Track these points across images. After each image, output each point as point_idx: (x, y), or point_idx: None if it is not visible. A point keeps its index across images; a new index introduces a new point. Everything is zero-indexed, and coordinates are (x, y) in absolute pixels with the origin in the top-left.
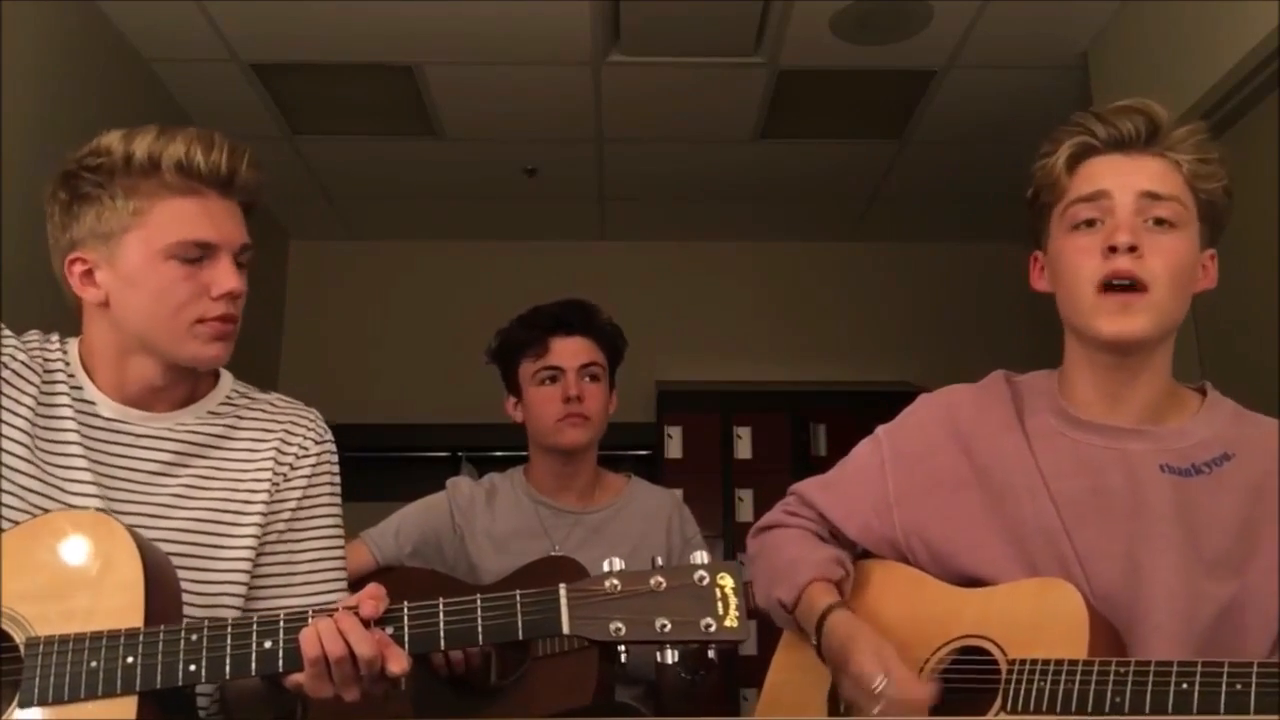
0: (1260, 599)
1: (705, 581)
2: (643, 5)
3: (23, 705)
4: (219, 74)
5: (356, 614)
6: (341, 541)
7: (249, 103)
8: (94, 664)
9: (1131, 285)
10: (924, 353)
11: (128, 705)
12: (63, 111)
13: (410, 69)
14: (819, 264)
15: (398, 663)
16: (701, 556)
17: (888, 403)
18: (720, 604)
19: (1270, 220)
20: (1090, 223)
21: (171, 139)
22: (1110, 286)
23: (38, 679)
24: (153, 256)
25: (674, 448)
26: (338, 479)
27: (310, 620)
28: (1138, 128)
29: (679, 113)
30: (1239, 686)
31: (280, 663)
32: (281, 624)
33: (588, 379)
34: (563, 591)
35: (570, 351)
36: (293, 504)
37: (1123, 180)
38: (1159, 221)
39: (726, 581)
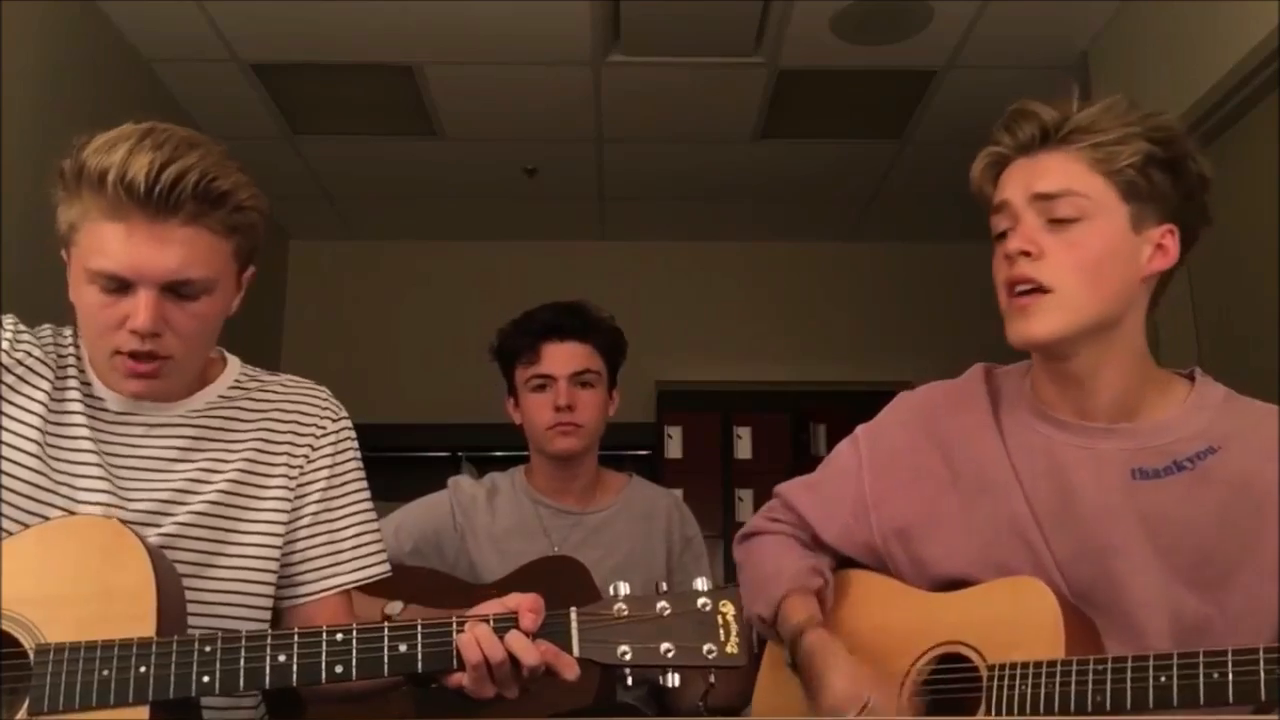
0: (1246, 623)
1: (708, 608)
2: (643, 5)
3: (32, 711)
4: (219, 74)
5: (515, 625)
6: (375, 516)
7: (249, 103)
8: (106, 672)
9: (1034, 289)
10: (924, 353)
11: (140, 714)
12: (63, 111)
13: (410, 69)
14: (819, 264)
15: (570, 670)
16: (703, 583)
17: (887, 403)
18: (722, 630)
19: (1270, 220)
20: (1003, 234)
21: (105, 152)
22: (1015, 292)
23: (48, 685)
24: (80, 277)
25: (674, 448)
26: (359, 454)
27: (465, 627)
28: (1031, 132)
29: (679, 113)
30: (1215, 675)
31: (295, 677)
32: (296, 640)
33: (580, 386)
34: (573, 615)
35: (562, 358)
36: (321, 485)
37: (1017, 185)
38: (1059, 220)
39: (728, 609)
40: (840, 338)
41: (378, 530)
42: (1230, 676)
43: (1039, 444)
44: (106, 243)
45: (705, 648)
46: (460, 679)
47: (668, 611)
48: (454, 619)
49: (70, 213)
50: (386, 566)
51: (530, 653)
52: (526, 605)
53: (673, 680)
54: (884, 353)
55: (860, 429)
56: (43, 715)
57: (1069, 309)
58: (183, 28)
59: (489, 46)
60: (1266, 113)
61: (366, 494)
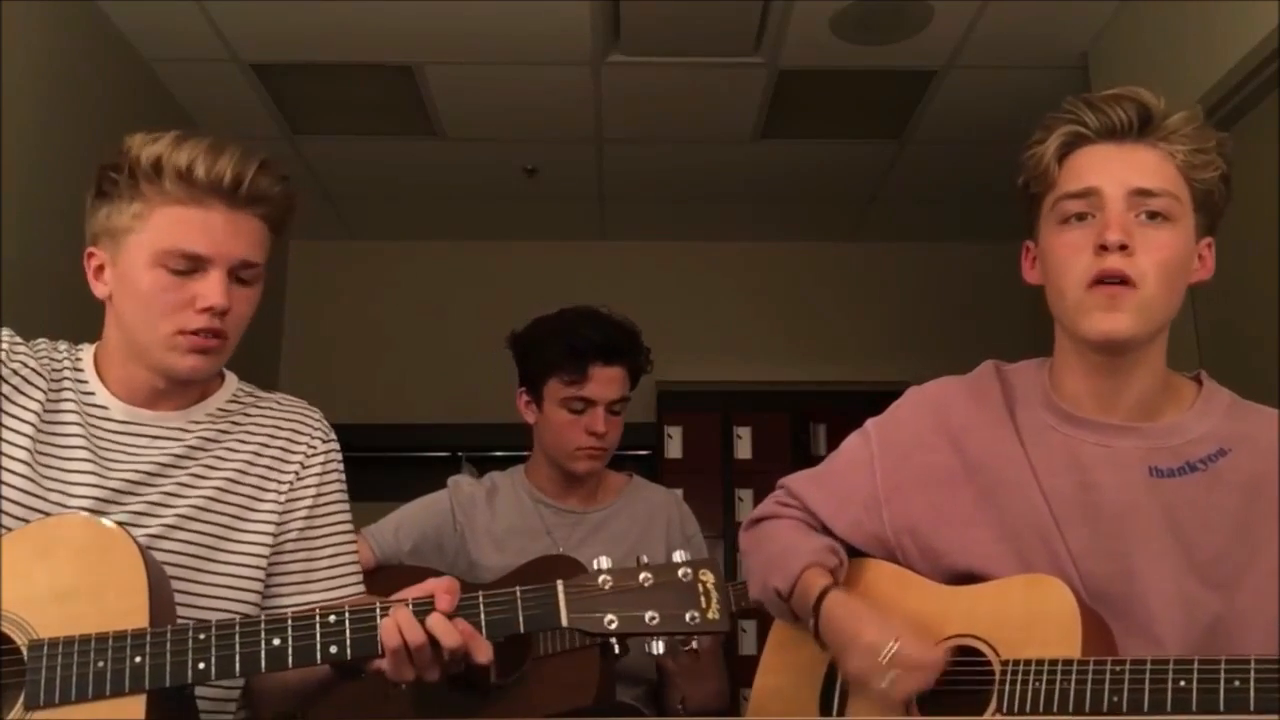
0: (1252, 622)
1: (688, 577)
2: (643, 5)
3: (28, 706)
4: (219, 74)
5: (434, 608)
6: (354, 537)
7: (249, 103)
8: (101, 664)
9: (1120, 281)
10: (924, 353)
11: (136, 704)
12: (63, 111)
13: (410, 69)
14: (819, 264)
15: (484, 653)
16: (681, 555)
17: (888, 403)
18: (703, 598)
19: (1270, 220)
20: (1081, 216)
21: (180, 145)
22: (1099, 282)
23: (43, 680)
24: (144, 262)
25: (674, 448)
26: (344, 476)
27: (389, 612)
28: (1130, 116)
29: (679, 113)
30: (1237, 683)
31: (290, 659)
32: (290, 623)
33: (613, 413)
34: (560, 587)
35: (607, 384)
36: (308, 502)
37: (1113, 175)
38: (1151, 215)
39: (708, 577)
40: (840, 338)
41: (354, 555)
42: (1252, 685)
43: (1056, 441)
44: (183, 224)
45: (688, 614)
46: (380, 664)
47: (650, 581)
48: (377, 604)
49: (135, 205)
50: (360, 588)
51: (450, 634)
52: (443, 588)
53: (657, 647)
54: (884, 353)
55: (870, 422)
56: (39, 709)
57: (1150, 307)
58: (183, 28)
59: (489, 46)
60: (1266, 113)
61: (348, 515)
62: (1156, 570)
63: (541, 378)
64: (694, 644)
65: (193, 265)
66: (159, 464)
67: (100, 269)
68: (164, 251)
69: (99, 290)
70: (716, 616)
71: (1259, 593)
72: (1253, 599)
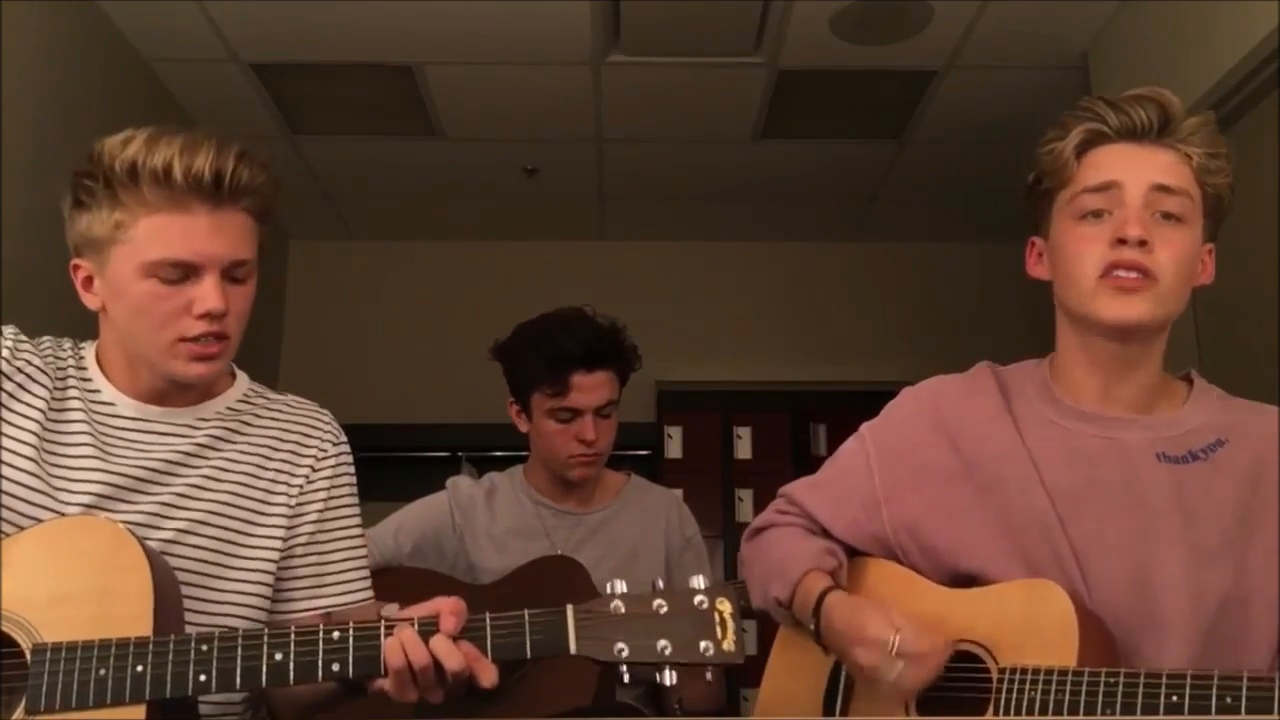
0: (1262, 590)
1: (705, 606)
2: (643, 5)
3: (29, 710)
4: (219, 74)
5: (438, 629)
6: (364, 541)
7: (249, 103)
8: (103, 671)
9: (1138, 273)
10: (924, 353)
11: (136, 713)
12: (63, 111)
13: (410, 69)
14: (819, 264)
15: (488, 677)
16: (700, 581)
17: (887, 403)
18: (719, 628)
19: (1270, 220)
20: (1098, 213)
21: (154, 147)
22: (1117, 274)
23: (45, 684)
24: (133, 273)
25: (674, 448)
26: (355, 478)
27: (393, 631)
28: (1151, 117)
29: (679, 113)
30: (1229, 699)
31: (292, 675)
32: (293, 637)
33: (603, 418)
34: (569, 612)
35: (590, 391)
36: (319, 506)
37: (1134, 172)
38: (1167, 215)
39: (725, 606)
40: (840, 338)
41: (364, 558)
42: (1244, 701)
43: (1057, 435)
44: (166, 232)
45: (702, 645)
46: (383, 684)
47: (664, 609)
48: (381, 622)
49: (114, 214)
50: (370, 593)
51: (454, 657)
52: (448, 608)
53: (670, 678)
54: (884, 353)
55: (865, 426)
56: (40, 715)
57: (1164, 301)
58: (183, 28)
59: (489, 46)
60: (1266, 113)
61: (358, 518)
62: (1166, 557)
63: (526, 390)
64: (709, 675)
65: (184, 273)
66: (167, 461)
67: (89, 280)
68: (152, 263)
69: (90, 302)
70: (732, 649)
71: (1260, 576)
72: (1254, 582)
